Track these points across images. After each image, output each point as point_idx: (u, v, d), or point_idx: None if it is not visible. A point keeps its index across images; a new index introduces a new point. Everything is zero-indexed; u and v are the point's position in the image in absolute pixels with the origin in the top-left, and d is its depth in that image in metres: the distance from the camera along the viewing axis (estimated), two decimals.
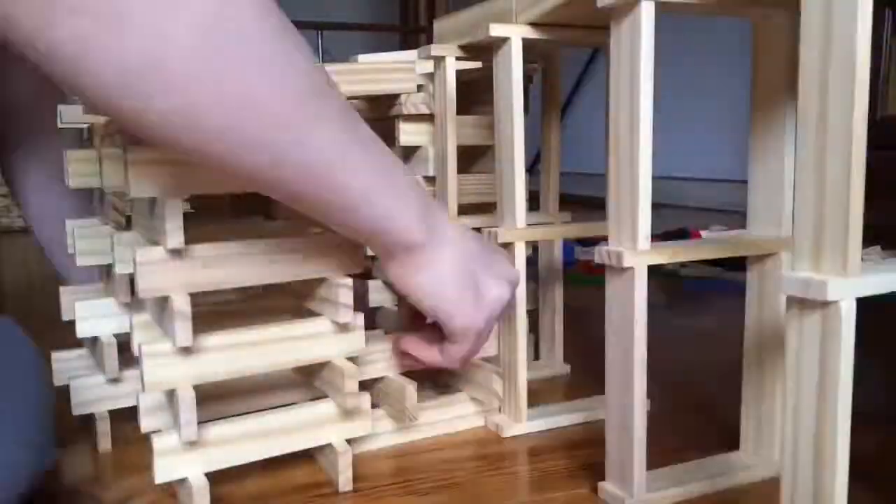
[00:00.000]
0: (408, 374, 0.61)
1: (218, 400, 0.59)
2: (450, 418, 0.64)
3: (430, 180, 0.70)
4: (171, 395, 0.51)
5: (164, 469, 0.49)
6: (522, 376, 0.63)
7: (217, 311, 0.60)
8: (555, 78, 0.76)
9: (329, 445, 0.55)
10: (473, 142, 0.73)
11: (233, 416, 0.53)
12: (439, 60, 0.63)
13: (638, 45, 0.45)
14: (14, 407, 0.44)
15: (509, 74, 0.59)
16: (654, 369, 0.51)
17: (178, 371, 0.49)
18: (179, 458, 0.50)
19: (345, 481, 0.54)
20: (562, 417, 0.65)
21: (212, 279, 0.49)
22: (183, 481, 0.50)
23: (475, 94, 0.76)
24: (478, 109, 0.76)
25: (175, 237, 0.46)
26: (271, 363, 0.52)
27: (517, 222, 0.61)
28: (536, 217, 0.81)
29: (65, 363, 0.64)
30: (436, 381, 0.68)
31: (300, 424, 0.54)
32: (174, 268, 0.47)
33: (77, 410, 0.60)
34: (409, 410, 0.59)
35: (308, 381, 0.59)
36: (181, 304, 0.47)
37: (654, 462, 0.52)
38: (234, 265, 0.50)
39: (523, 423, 0.64)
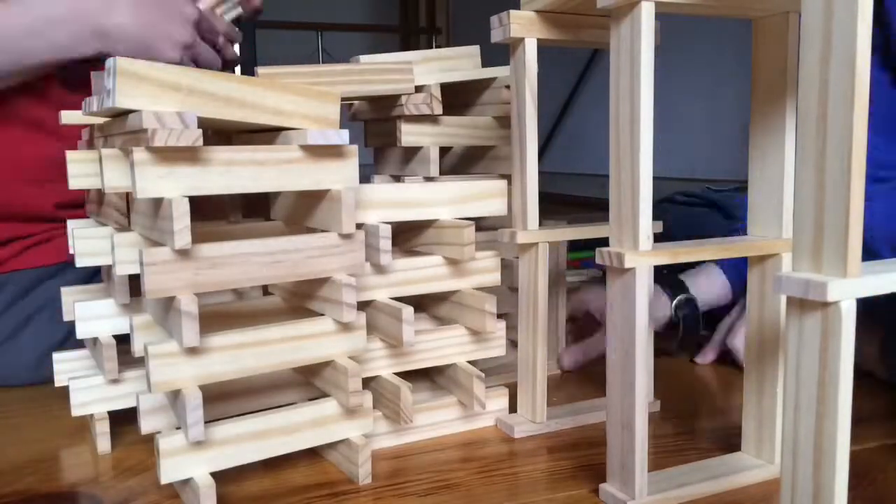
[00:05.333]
0: (401, 374, 0.61)
1: (217, 400, 0.59)
2: (446, 420, 0.64)
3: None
4: (173, 395, 0.51)
5: (170, 469, 0.49)
6: (542, 376, 0.64)
7: (217, 312, 0.60)
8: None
9: (341, 442, 0.56)
10: (476, 143, 0.73)
11: (232, 416, 0.53)
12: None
13: (638, 45, 0.45)
14: None
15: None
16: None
17: (185, 371, 0.49)
18: (185, 459, 0.50)
19: (364, 474, 0.55)
20: (567, 419, 0.65)
21: (218, 279, 0.49)
22: (188, 481, 0.50)
23: (468, 95, 0.76)
24: (471, 111, 0.76)
25: (183, 237, 0.46)
26: (276, 363, 0.52)
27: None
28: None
29: (65, 364, 0.64)
30: (433, 381, 0.68)
31: (304, 423, 0.54)
32: (181, 268, 0.47)
33: (77, 411, 0.60)
34: (405, 412, 0.59)
35: (308, 380, 0.60)
36: (188, 304, 0.47)
37: (654, 463, 0.52)
38: (239, 265, 0.50)
39: (540, 423, 0.64)
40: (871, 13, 0.34)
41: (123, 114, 0.49)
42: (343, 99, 0.61)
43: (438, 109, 0.69)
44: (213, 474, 0.50)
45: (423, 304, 0.68)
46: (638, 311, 0.48)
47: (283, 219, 0.61)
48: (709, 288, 0.82)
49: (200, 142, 0.46)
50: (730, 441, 0.60)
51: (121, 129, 0.52)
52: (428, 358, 0.63)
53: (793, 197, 0.40)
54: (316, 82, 0.67)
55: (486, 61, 0.75)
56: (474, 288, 0.63)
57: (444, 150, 0.79)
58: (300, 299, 0.59)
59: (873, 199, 0.57)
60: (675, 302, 0.80)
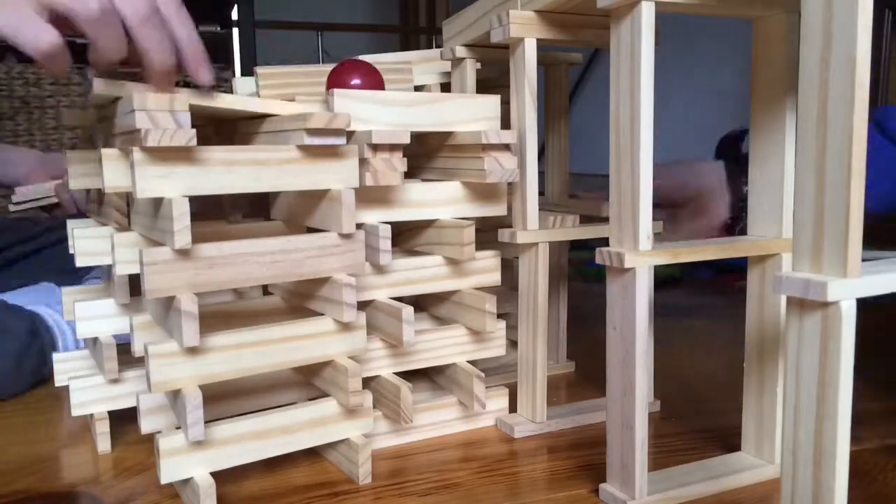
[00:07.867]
0: (402, 374, 0.61)
1: (217, 400, 0.59)
2: (446, 420, 0.64)
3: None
4: (173, 395, 0.51)
5: (170, 469, 0.49)
6: (542, 376, 0.64)
7: (217, 312, 0.60)
8: (559, 74, 0.76)
9: (341, 442, 0.56)
10: None
11: (232, 416, 0.53)
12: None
13: (638, 44, 0.45)
14: None
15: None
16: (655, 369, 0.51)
17: (185, 371, 0.49)
18: (185, 458, 0.50)
19: (364, 474, 0.55)
20: (567, 419, 0.65)
21: (218, 279, 0.49)
22: (188, 481, 0.50)
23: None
24: None
25: (183, 237, 0.46)
26: (276, 363, 0.52)
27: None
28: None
29: (65, 364, 0.64)
30: (433, 381, 0.68)
31: (304, 423, 0.54)
32: (181, 268, 0.47)
33: (77, 411, 0.60)
34: (405, 412, 0.59)
35: (307, 379, 0.60)
36: (188, 304, 0.47)
37: (654, 463, 0.52)
38: (239, 265, 0.50)
39: (540, 423, 0.64)
40: (871, 13, 0.34)
41: (114, 101, 0.49)
42: None
43: None
44: (213, 474, 0.50)
45: (423, 304, 0.68)
46: (638, 311, 0.48)
47: (283, 219, 0.61)
48: None
49: (194, 141, 0.46)
50: (730, 441, 0.60)
51: (120, 128, 0.52)
52: (428, 358, 0.63)
53: (793, 197, 0.40)
54: (315, 82, 0.67)
55: None
56: (474, 288, 0.63)
57: None
58: (300, 299, 0.59)
59: None
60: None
